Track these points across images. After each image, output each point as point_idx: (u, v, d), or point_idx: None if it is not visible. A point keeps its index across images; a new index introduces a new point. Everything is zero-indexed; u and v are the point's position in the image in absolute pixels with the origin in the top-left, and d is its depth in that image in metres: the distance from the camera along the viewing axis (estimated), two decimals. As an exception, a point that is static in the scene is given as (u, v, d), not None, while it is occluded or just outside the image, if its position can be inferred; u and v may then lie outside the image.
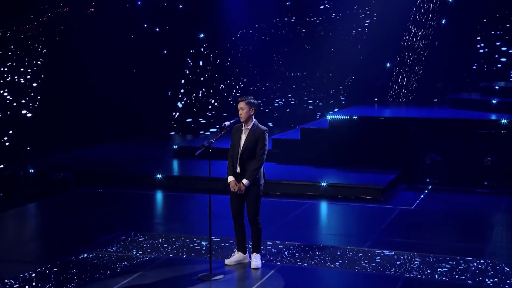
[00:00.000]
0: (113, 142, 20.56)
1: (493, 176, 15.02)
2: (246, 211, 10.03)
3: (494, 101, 17.09)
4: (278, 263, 10.28)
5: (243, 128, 9.97)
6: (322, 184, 14.58)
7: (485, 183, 15.05)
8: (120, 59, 21.14)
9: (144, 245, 11.19)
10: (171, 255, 10.66)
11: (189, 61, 22.20)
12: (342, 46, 20.78)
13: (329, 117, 16.62)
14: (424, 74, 20.21)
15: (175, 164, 17.34)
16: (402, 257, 10.48)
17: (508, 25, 19.20)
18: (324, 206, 13.90)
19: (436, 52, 19.83)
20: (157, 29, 22.21)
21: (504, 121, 15.14)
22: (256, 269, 9.98)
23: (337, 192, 14.47)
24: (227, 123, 9.96)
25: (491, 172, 15.04)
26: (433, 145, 15.42)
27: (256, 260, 10.04)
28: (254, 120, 9.98)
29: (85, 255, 10.74)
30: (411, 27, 20.12)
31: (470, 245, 11.32)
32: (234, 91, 22.34)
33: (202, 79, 22.36)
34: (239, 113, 9.91)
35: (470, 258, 10.43)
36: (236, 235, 10.16)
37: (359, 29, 20.72)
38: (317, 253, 10.70)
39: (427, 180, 15.35)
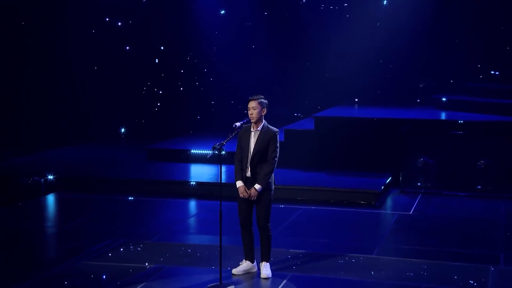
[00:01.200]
0: (75, 145, 19.55)
1: (487, 180, 14.63)
2: (255, 218, 9.38)
3: (480, 102, 16.75)
4: (288, 272, 9.65)
5: (252, 129, 9.33)
6: (313, 188, 14.08)
7: (478, 187, 14.64)
8: (81, 55, 20.34)
9: (141, 254, 10.48)
10: (174, 265, 9.96)
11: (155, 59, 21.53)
12: (319, 44, 20.27)
13: (314, 118, 16.08)
14: (406, 74, 19.78)
15: (151, 167, 16.52)
16: (415, 265, 9.94)
17: (489, 25, 18.92)
18: (319, 212, 13.31)
19: (418, 52, 19.41)
20: (120, 24, 21.40)
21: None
22: (267, 278, 9.37)
23: (330, 196, 13.92)
24: (238, 123, 9.32)
25: (484, 176, 14.66)
26: (425, 148, 14.97)
27: (266, 269, 9.43)
28: (264, 121, 9.36)
29: (77, 266, 9.98)
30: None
31: (482, 251, 10.86)
32: (202, 88, 21.67)
33: (162, 78, 21.67)
34: (250, 113, 9.28)
35: (487, 266, 9.95)
36: (244, 243, 9.54)
37: (336, 26, 20.20)
38: (326, 261, 10.13)
39: (419, 184, 14.90)
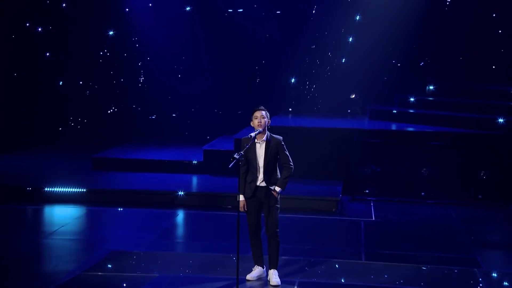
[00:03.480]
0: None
1: (430, 187, 15.38)
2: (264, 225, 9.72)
3: (414, 113, 17.59)
4: (294, 278, 9.93)
5: (257, 141, 9.62)
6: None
7: (422, 193, 15.37)
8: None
9: (140, 263, 10.48)
10: (180, 274, 10.04)
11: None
12: (248, 54, 20.61)
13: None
14: (336, 84, 20.33)
15: (99, 176, 16.34)
16: (406, 270, 10.39)
17: (420, 38, 19.78)
18: (285, 219, 13.48)
19: (348, 62, 20.02)
20: (40, 29, 21.03)
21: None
22: (277, 286, 9.62)
23: (291, 204, 14.19)
24: (252, 134, 9.58)
25: (427, 183, 15.40)
26: (372, 156, 15.58)
27: (275, 277, 9.71)
28: (267, 131, 9.71)
29: (80, 278, 9.87)
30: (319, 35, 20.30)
31: (458, 255, 11.50)
32: (114, 104, 21.48)
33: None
34: (258, 122, 9.62)
35: (471, 268, 10.57)
36: (254, 250, 9.82)
37: (267, 36, 20.60)
38: (324, 267, 10.44)
39: (367, 191, 15.47)
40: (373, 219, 13.76)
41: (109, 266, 10.37)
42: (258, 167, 9.59)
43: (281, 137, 9.74)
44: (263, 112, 9.63)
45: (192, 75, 20.92)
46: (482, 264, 10.94)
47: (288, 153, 9.69)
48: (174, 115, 21.17)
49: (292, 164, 9.67)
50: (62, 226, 12.83)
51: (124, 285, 9.62)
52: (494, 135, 15.62)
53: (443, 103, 18.00)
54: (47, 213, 14.02)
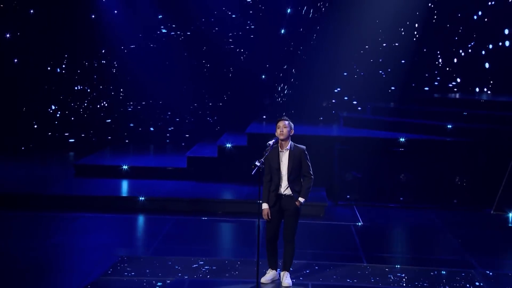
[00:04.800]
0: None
1: (408, 192, 15.90)
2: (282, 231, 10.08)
3: (387, 120, 18.13)
4: (306, 281, 10.29)
5: (280, 149, 10.00)
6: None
7: (401, 198, 15.89)
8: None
9: (154, 268, 10.65)
10: (196, 278, 10.30)
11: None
12: (219, 61, 20.90)
13: (247, 134, 16.66)
14: (305, 92, 20.75)
15: (84, 183, 16.40)
16: (410, 272, 10.78)
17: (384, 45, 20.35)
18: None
19: (322, 70, 20.44)
20: (8, 35, 20.97)
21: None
22: (288, 287, 10.02)
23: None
24: (270, 142, 9.95)
25: (406, 188, 15.92)
26: (353, 163, 16.03)
27: (287, 279, 10.10)
28: (290, 141, 10.03)
29: (100, 282, 10.08)
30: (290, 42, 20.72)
31: (453, 257, 12.01)
32: (100, 106, 21.49)
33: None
34: (280, 131, 9.99)
35: (469, 270, 11.07)
36: (269, 256, 10.18)
37: (233, 45, 20.92)
38: (331, 270, 10.79)
39: (348, 196, 15.92)
40: (361, 223, 14.16)
41: (123, 271, 10.55)
42: (281, 175, 9.97)
43: (304, 147, 10.11)
44: (286, 122, 10.00)
45: (166, 83, 21.04)
46: (477, 265, 11.44)
47: (309, 163, 10.03)
48: (151, 122, 21.26)
49: (312, 174, 10.02)
50: (61, 233, 12.96)
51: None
52: (469, 142, 16.19)
53: (416, 112, 18.54)
54: (43, 220, 13.97)
